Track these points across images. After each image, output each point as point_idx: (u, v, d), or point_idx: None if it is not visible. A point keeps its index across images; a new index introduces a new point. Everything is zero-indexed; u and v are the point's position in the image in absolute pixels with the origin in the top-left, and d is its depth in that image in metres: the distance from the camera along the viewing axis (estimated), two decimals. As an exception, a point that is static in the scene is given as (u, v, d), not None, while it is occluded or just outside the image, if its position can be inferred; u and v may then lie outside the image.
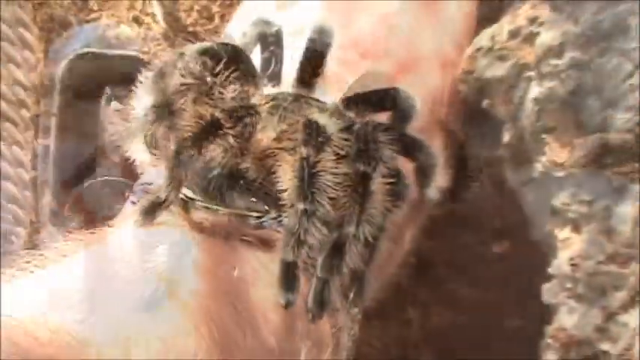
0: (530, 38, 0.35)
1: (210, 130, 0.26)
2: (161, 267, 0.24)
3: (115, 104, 0.47)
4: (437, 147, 0.36)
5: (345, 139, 0.26)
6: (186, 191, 0.27)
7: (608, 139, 0.33)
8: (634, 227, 0.33)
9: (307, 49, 0.32)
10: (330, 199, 0.26)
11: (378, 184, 0.26)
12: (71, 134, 0.46)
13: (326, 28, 0.32)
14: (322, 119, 0.27)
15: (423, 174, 0.32)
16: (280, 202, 0.26)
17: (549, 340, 0.37)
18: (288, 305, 0.24)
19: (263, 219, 0.27)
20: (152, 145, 0.27)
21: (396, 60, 0.38)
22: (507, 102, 0.37)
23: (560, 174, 0.35)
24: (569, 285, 0.36)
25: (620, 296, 0.33)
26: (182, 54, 0.28)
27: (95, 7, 0.46)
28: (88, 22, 0.46)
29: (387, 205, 0.27)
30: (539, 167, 0.37)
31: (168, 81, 0.27)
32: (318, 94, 0.31)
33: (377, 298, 0.36)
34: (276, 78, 0.32)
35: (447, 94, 0.39)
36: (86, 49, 0.45)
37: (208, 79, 0.27)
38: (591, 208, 0.35)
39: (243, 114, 0.27)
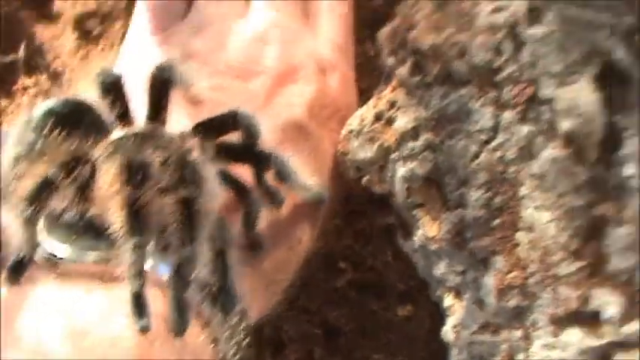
0: (390, 122, 0.38)
1: (44, 187, 0.30)
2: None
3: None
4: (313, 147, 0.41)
5: (167, 170, 0.31)
6: (52, 246, 0.31)
7: (465, 214, 0.36)
8: (498, 298, 0.35)
9: (150, 87, 0.36)
10: (160, 228, 0.30)
11: (210, 199, 0.30)
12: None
13: (165, 65, 0.36)
14: (144, 156, 0.31)
15: (284, 180, 0.36)
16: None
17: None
18: (143, 330, 0.28)
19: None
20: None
21: (271, 75, 0.41)
22: (381, 181, 0.40)
23: (434, 247, 0.38)
24: (455, 352, 0.38)
25: (495, 365, 0.35)
26: (27, 120, 0.33)
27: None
28: (-11, 129, 0.48)
29: (222, 220, 0.31)
30: (416, 241, 0.39)
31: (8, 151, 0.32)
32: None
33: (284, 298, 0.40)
34: (125, 119, 0.36)
35: (329, 98, 0.42)
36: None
37: (38, 144, 0.31)
38: (464, 279, 0.37)
39: (74, 165, 0.31)
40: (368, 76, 0.47)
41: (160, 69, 0.36)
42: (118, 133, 0.34)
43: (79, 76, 0.48)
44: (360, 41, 0.47)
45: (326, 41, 0.44)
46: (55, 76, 0.50)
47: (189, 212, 0.29)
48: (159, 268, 0.31)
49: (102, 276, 0.30)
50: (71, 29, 0.49)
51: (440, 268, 0.39)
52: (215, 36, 0.42)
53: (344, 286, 0.47)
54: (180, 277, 0.29)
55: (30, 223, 0.30)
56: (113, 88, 0.35)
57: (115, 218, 0.29)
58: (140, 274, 0.28)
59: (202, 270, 0.29)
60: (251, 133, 0.35)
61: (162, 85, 0.35)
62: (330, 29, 0.44)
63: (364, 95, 0.46)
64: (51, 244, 0.31)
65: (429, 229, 0.38)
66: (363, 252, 0.47)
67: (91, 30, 0.49)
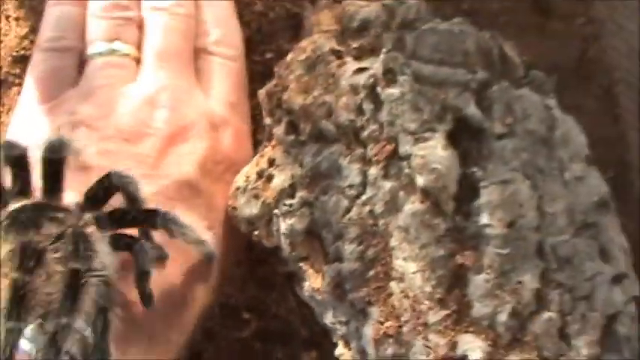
0: (269, 179, 0.39)
1: None
2: None
3: None
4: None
5: (61, 246, 0.33)
6: None
7: (342, 267, 0.37)
8: (376, 347, 0.36)
9: (42, 165, 0.37)
10: (42, 312, 0.31)
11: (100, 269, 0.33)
12: None
13: (57, 140, 0.37)
14: (40, 232, 0.33)
15: (175, 235, 0.37)
16: None
17: None
18: None
19: None
20: None
21: (161, 136, 0.42)
22: (269, 235, 0.41)
23: (319, 298, 0.39)
24: (348, 400, 0.39)
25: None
26: None
27: None
28: None
29: (107, 280, 0.33)
30: (305, 292, 0.40)
31: None
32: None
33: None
34: (24, 192, 0.36)
35: (221, 154, 0.43)
36: None
37: None
38: (349, 329, 0.38)
39: None
40: (263, 130, 0.48)
41: (52, 144, 0.37)
42: (16, 203, 0.35)
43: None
44: (255, 94, 0.48)
45: (218, 98, 0.45)
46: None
47: (75, 284, 0.31)
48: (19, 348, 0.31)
49: None
50: (-33, 95, 0.50)
51: (328, 318, 0.40)
52: (104, 101, 0.42)
53: (249, 336, 0.47)
54: (53, 345, 0.30)
55: None
56: (18, 161, 0.36)
57: (2, 296, 0.30)
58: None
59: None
60: (129, 193, 0.36)
61: (55, 161, 0.36)
62: (221, 85, 0.45)
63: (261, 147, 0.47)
64: None
65: (313, 280, 0.39)
66: (267, 300, 0.48)
67: (-14, 96, 0.49)
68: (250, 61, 0.48)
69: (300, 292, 0.44)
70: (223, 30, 0.47)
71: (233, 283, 0.47)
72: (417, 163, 0.34)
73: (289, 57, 0.40)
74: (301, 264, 0.40)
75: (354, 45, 0.38)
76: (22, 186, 0.37)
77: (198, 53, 0.46)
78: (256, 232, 0.42)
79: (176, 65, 0.45)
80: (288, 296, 0.48)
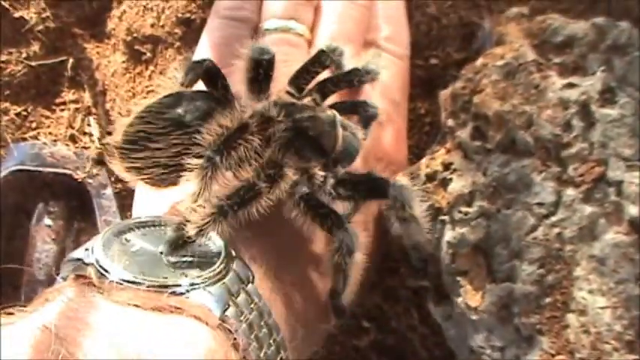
0: (444, 183, 0.37)
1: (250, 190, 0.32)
2: None
3: (46, 221, 0.47)
4: None
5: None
6: (106, 263, 0.30)
7: (514, 288, 0.34)
8: (540, 380, 0.33)
9: (249, 67, 0.37)
10: None
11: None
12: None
13: (262, 47, 0.38)
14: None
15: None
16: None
17: None
18: None
19: (180, 289, 0.30)
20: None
21: None
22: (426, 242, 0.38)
23: (474, 317, 0.36)
24: None
25: None
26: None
27: (33, 125, 0.47)
28: (24, 139, 0.47)
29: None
30: (455, 307, 0.37)
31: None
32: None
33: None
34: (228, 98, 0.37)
35: (383, 151, 0.42)
36: (20, 167, 0.45)
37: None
38: (503, 355, 0.35)
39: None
40: (417, 133, 0.46)
41: (258, 47, 0.37)
42: (260, 105, 0.35)
43: (122, 96, 0.47)
44: (411, 99, 0.47)
45: (383, 94, 0.43)
46: (98, 94, 0.49)
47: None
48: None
49: (147, 302, 0.28)
50: (121, 50, 0.49)
51: (476, 340, 0.37)
52: (280, 77, 0.41)
53: (366, 346, 0.45)
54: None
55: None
56: (212, 73, 0.36)
57: None
58: None
59: None
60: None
61: (264, 64, 0.36)
62: (387, 82, 0.44)
63: (411, 152, 0.45)
64: (106, 260, 0.30)
65: (470, 298, 0.37)
66: (389, 313, 0.45)
67: (142, 53, 0.48)
68: (412, 65, 0.47)
69: (434, 310, 0.41)
70: (395, 27, 0.46)
71: (361, 288, 0.45)
72: (629, 191, 0.31)
73: (480, 61, 0.38)
74: (459, 278, 0.37)
75: (556, 60, 0.36)
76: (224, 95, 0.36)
77: (367, 46, 0.45)
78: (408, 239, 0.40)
79: (347, 52, 0.44)
80: (412, 312, 0.45)
